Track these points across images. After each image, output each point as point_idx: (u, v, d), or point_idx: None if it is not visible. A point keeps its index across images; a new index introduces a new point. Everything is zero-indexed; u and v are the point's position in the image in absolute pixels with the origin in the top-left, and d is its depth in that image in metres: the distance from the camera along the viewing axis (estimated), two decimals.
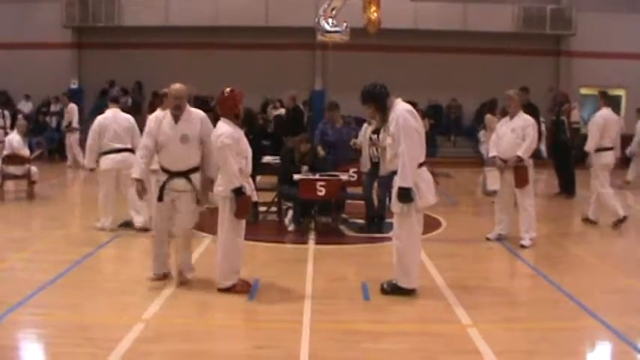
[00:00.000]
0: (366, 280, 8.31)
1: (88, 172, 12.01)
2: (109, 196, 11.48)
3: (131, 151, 11.13)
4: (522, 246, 10.52)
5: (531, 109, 12.66)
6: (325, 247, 10.49)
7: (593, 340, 6.78)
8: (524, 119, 10.79)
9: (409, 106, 7.92)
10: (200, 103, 17.55)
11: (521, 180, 10.63)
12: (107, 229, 11.31)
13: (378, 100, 7.92)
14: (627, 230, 12.24)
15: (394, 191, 7.82)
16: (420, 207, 7.84)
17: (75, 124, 21.87)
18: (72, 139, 21.62)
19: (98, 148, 11.40)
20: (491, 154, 11.14)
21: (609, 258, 10.18)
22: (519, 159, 10.57)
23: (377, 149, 11.56)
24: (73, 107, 22.05)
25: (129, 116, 11.78)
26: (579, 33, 25.76)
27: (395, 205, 7.86)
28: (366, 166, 12.04)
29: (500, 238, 10.94)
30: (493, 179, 11.03)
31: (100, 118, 11.56)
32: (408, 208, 7.73)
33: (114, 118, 11.53)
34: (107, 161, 11.39)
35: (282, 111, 21.75)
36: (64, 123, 22.14)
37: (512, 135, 10.68)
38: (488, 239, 10.97)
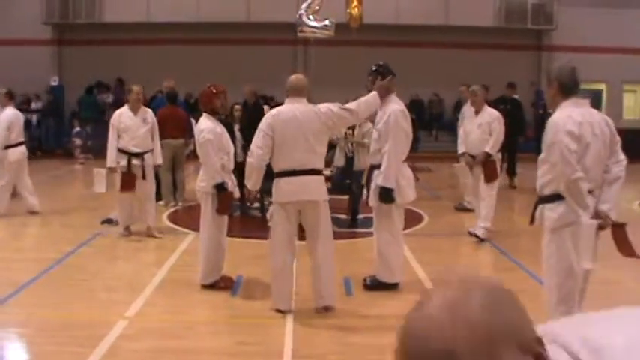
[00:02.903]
0: (349, 275, 8.31)
1: None
2: (11, 184, 12.46)
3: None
4: (473, 234, 10.47)
5: (515, 104, 12.71)
6: None
7: None
8: (489, 114, 10.87)
9: (402, 106, 7.92)
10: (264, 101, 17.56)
11: (490, 175, 10.64)
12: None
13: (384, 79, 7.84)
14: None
15: (373, 186, 7.84)
16: (399, 204, 7.86)
17: None
18: None
19: (6, 142, 12.28)
20: (460, 152, 11.20)
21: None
22: (487, 155, 10.62)
23: (352, 144, 11.52)
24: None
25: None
26: (560, 28, 25.87)
27: (374, 200, 7.88)
28: (339, 160, 11.95)
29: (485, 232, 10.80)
30: (463, 175, 11.10)
31: (10, 115, 12.49)
32: (388, 205, 7.76)
33: (19, 115, 12.86)
34: (17, 153, 12.38)
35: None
36: None
37: (479, 131, 10.76)
38: (470, 233, 10.95)
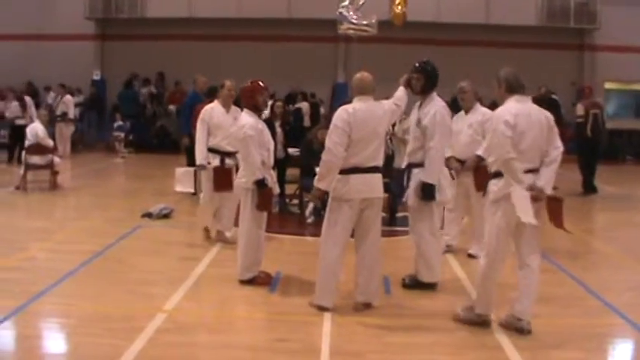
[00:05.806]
0: (387, 274, 8.21)
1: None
2: None
3: None
4: (470, 255, 9.48)
5: (551, 105, 12.33)
6: None
7: (619, 338, 6.72)
8: (482, 113, 9.70)
9: (444, 103, 7.91)
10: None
11: (481, 183, 8.92)
12: None
13: (430, 79, 7.83)
14: None
15: (412, 185, 7.80)
16: (439, 202, 7.82)
17: (71, 115, 21.67)
18: (66, 131, 21.41)
19: None
20: (445, 155, 9.16)
21: (634, 254, 10.07)
22: (479, 159, 9.13)
23: (392, 140, 11.32)
24: (69, 99, 21.86)
25: None
26: (603, 27, 25.49)
27: (412, 199, 7.82)
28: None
29: (449, 251, 9.68)
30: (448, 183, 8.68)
31: None
32: (430, 203, 7.71)
33: None
34: None
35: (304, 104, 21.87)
36: (58, 113, 21.28)
37: (470, 131, 9.62)
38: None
